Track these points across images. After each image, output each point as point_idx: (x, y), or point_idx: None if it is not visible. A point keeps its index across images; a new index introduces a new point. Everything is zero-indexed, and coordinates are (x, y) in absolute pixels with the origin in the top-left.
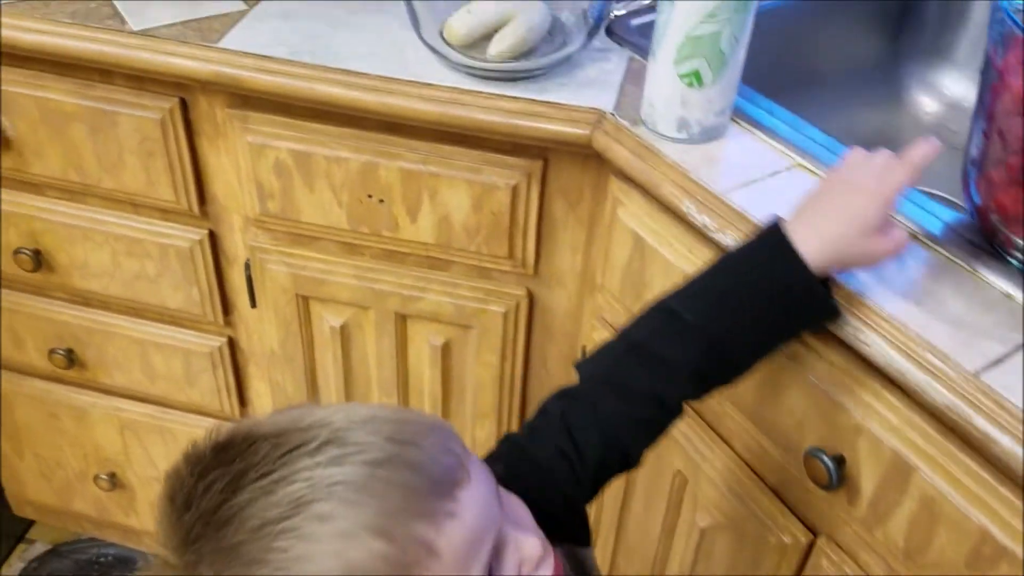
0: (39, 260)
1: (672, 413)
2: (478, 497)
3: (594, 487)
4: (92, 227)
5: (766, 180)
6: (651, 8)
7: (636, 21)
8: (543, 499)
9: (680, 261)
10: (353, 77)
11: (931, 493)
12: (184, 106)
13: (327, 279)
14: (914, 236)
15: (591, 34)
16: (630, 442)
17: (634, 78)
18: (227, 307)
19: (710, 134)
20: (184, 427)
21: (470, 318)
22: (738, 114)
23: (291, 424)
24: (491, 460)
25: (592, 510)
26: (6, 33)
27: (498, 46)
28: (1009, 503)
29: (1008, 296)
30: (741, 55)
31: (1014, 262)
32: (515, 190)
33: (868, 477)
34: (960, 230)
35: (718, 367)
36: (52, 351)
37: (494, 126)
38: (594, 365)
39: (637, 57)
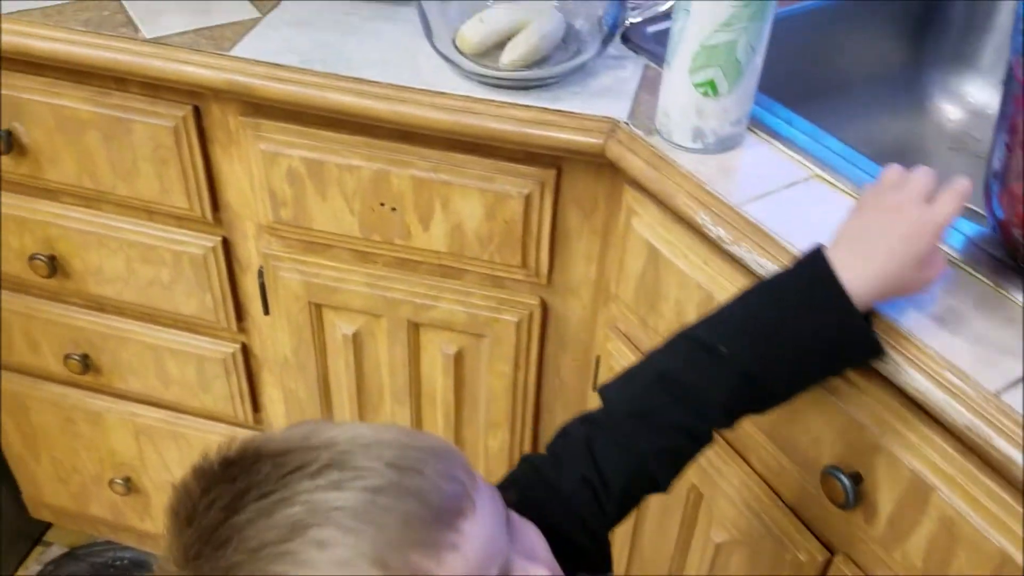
0: (54, 266)
1: (702, 443)
2: (483, 528)
3: (620, 514)
4: (107, 233)
5: (783, 191)
6: (668, 15)
7: (652, 28)
8: (563, 527)
9: (695, 273)
10: (365, 85)
11: (950, 514)
12: (197, 114)
13: (339, 287)
14: None
15: (606, 42)
16: (659, 472)
17: (649, 86)
18: (240, 314)
19: (726, 144)
20: (198, 433)
21: (483, 327)
22: (755, 123)
23: (298, 443)
24: (508, 484)
25: None
26: (19, 40)
27: (510, 55)
28: None
29: None
30: (758, 64)
31: None
32: (528, 199)
33: (886, 496)
34: (982, 244)
35: (751, 400)
36: (67, 356)
37: (506, 135)
38: (620, 392)
39: (653, 65)
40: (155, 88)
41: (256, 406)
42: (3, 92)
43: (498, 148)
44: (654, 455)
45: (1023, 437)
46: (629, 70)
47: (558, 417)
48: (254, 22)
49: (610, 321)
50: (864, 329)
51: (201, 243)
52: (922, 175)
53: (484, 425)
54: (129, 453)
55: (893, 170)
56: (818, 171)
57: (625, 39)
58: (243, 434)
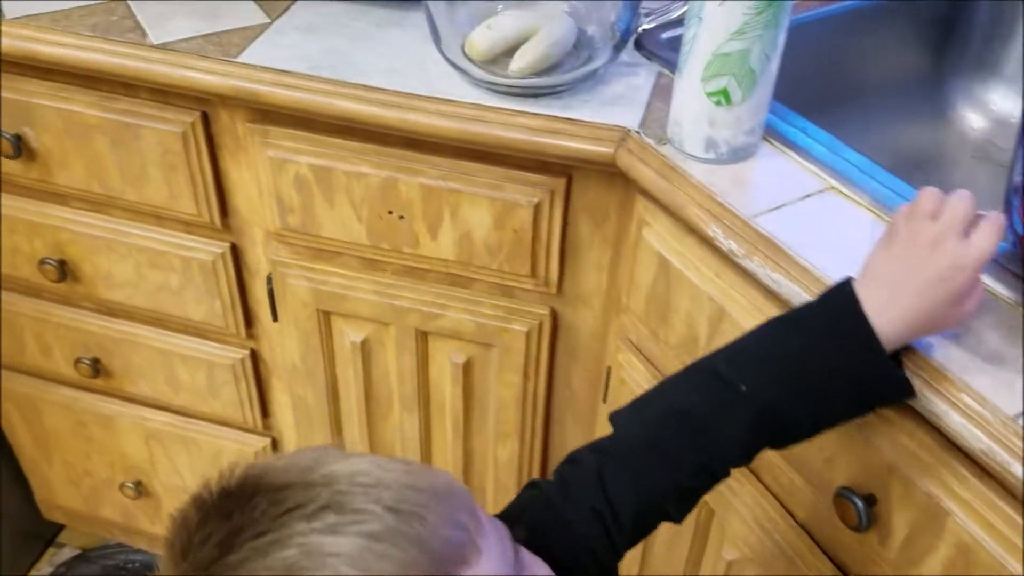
0: (64, 270)
1: (718, 479)
2: (489, 573)
3: (630, 544)
4: (116, 238)
5: (797, 204)
6: (681, 21)
7: (666, 34)
8: (573, 560)
9: (706, 285)
10: (373, 92)
11: (966, 540)
12: (206, 120)
13: (348, 294)
14: None
15: (618, 48)
16: (671, 507)
17: (663, 94)
18: (250, 320)
19: (739, 154)
20: (208, 437)
21: (492, 336)
22: (770, 133)
23: (298, 477)
24: (516, 514)
25: None
26: (26, 45)
27: (519, 62)
28: None
29: None
30: (772, 72)
31: None
32: (538, 208)
33: (900, 519)
34: (1002, 260)
35: (771, 437)
36: (78, 360)
37: (515, 143)
38: (633, 422)
39: (666, 72)
40: (164, 94)
41: (265, 412)
42: (13, 97)
43: (508, 156)
44: (667, 490)
45: None
46: (642, 77)
47: (568, 428)
48: (263, 27)
49: (621, 332)
50: (893, 370)
51: (210, 249)
52: (960, 202)
53: (493, 435)
54: (140, 457)
55: (929, 195)
56: (834, 183)
57: (638, 45)
58: (251, 440)
